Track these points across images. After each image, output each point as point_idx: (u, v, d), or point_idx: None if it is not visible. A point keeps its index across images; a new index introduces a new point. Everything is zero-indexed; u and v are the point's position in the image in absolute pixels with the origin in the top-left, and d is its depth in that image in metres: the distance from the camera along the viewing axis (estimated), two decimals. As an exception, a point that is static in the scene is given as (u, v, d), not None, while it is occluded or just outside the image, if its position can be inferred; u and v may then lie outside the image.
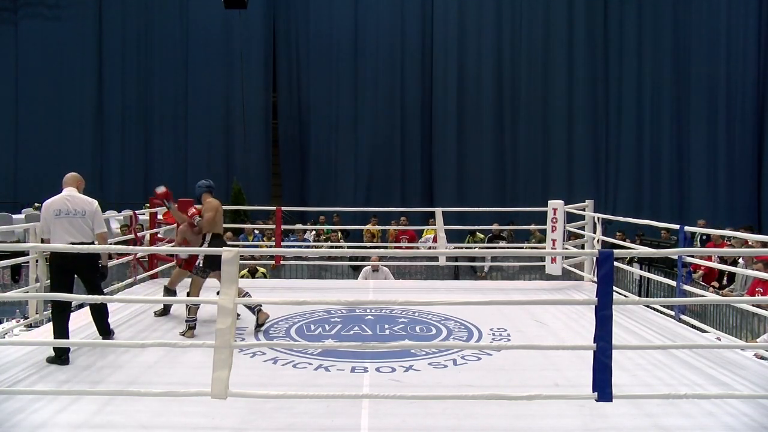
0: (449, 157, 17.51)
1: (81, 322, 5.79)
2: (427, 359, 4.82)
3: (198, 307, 5.60)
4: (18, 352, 4.81)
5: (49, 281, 5.18)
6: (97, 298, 4.65)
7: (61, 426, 3.61)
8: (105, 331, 5.18)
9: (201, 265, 5.61)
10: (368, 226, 12.08)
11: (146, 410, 3.78)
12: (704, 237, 10.38)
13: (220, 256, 5.42)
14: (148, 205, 7.95)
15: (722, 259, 8.61)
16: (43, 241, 4.95)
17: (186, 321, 5.54)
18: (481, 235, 11.95)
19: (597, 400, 3.56)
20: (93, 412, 3.76)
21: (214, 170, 17.56)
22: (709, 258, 8.30)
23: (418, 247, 11.49)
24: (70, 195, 4.96)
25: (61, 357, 4.63)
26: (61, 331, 4.77)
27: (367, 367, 4.63)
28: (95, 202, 5.03)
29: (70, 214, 4.85)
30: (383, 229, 12.09)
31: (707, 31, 16.20)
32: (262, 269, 9.71)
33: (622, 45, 17.02)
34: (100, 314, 5.17)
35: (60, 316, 4.80)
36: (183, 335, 5.49)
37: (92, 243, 4.95)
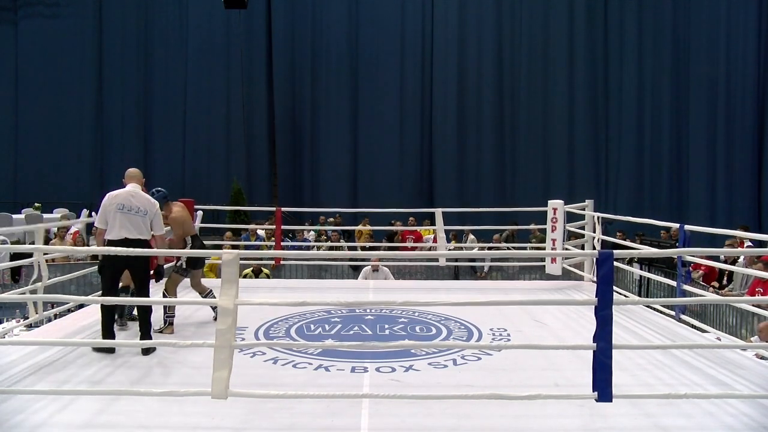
0: (449, 157, 17.52)
1: (82, 321, 5.81)
2: (427, 359, 4.82)
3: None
4: (18, 352, 4.80)
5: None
6: (95, 299, 4.66)
7: (61, 426, 3.61)
8: (146, 332, 5.04)
9: (184, 265, 5.76)
10: (359, 227, 12.09)
11: (146, 410, 3.78)
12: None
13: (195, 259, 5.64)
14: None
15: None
16: (96, 231, 5.06)
17: (166, 316, 5.57)
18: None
19: (597, 400, 3.56)
20: (93, 412, 3.75)
21: (213, 170, 17.60)
22: (709, 258, 8.29)
23: (423, 248, 11.50)
24: (135, 192, 5.04)
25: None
26: (107, 328, 4.90)
27: (367, 367, 4.62)
28: (157, 204, 5.13)
29: (132, 211, 4.93)
30: (383, 229, 12.09)
31: (707, 31, 16.21)
32: (266, 270, 9.70)
33: (622, 45, 17.03)
34: (145, 317, 5.05)
35: (106, 314, 4.91)
36: (161, 332, 5.47)
37: (147, 241, 5.03)
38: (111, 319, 4.99)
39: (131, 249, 4.52)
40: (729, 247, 8.94)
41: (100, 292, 5.18)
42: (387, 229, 12.23)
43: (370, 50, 17.75)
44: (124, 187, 5.11)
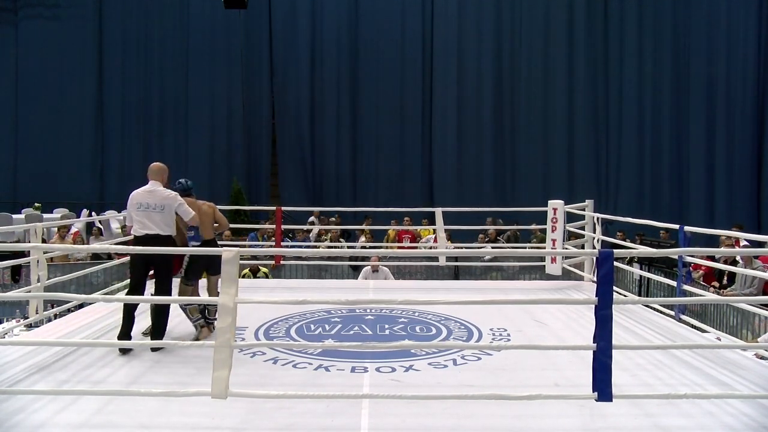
0: (449, 157, 17.52)
1: (81, 321, 5.81)
2: (427, 359, 4.82)
3: (196, 305, 5.45)
4: (18, 352, 4.80)
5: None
6: (96, 298, 4.64)
7: (61, 426, 3.61)
8: (159, 331, 5.06)
9: (182, 272, 5.48)
10: (363, 226, 12.08)
11: (146, 410, 3.78)
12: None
13: (201, 264, 5.40)
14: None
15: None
16: (124, 229, 5.21)
17: (194, 323, 5.39)
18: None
19: (597, 400, 3.56)
20: (93, 412, 3.76)
21: (214, 170, 17.60)
22: (709, 258, 8.29)
23: (419, 247, 11.47)
24: (152, 189, 5.17)
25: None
26: (127, 320, 4.99)
27: (367, 367, 4.63)
28: (176, 196, 5.21)
29: (150, 208, 5.09)
30: (382, 229, 12.06)
31: (707, 31, 16.21)
32: (264, 269, 9.70)
33: (622, 45, 17.02)
34: (157, 315, 5.09)
35: (127, 311, 5.00)
36: (198, 339, 5.26)
37: (169, 236, 5.13)
38: (130, 320, 4.99)
39: (140, 247, 4.66)
40: (726, 246, 8.94)
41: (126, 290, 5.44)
42: (385, 228, 12.20)
43: (370, 50, 17.75)
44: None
